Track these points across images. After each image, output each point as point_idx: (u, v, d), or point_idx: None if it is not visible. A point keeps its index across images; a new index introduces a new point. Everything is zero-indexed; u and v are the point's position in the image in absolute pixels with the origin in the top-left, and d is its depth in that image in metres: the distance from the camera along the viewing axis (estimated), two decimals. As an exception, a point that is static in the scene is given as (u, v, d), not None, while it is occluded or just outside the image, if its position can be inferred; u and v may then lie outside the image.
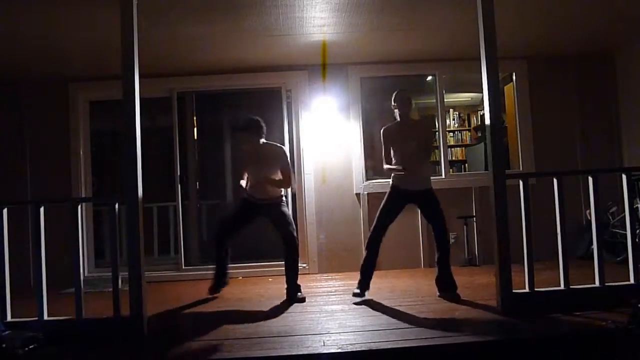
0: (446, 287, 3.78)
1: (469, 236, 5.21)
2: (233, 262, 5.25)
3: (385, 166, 3.86)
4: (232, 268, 5.00)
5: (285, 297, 3.85)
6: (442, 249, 3.78)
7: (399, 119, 3.85)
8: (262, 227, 4.62)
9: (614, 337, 2.66)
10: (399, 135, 3.80)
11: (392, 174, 3.83)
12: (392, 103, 3.85)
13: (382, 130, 3.90)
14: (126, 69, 3.08)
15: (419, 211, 3.96)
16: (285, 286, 3.89)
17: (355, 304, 3.64)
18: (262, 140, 4.01)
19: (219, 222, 4.21)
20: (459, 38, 4.44)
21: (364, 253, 3.84)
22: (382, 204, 3.81)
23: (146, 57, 3.32)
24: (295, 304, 3.71)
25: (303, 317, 3.30)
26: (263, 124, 4.01)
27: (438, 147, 5.64)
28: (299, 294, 3.88)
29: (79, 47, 4.37)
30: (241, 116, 4.50)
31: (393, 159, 3.83)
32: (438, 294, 3.80)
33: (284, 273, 3.91)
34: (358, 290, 3.78)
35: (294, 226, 4.01)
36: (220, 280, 4.15)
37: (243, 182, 4.05)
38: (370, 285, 4.01)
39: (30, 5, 3.51)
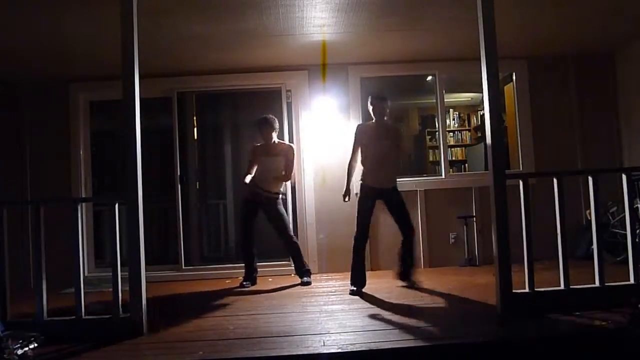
0: (408, 277, 4.11)
1: (469, 236, 5.20)
2: (233, 262, 5.28)
3: (347, 167, 4.10)
4: (232, 269, 5.03)
5: (283, 296, 3.99)
6: (408, 243, 4.06)
7: (374, 120, 4.12)
8: (262, 228, 4.65)
9: (614, 337, 2.67)
10: (373, 134, 4.05)
11: (361, 174, 4.06)
12: (369, 105, 4.13)
13: (357, 127, 4.18)
14: (126, 69, 3.08)
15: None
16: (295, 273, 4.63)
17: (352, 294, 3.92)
18: (274, 137, 4.51)
19: (240, 228, 4.64)
20: (459, 38, 4.43)
21: (353, 257, 4.00)
22: (358, 208, 4.03)
23: (146, 57, 3.31)
24: (295, 304, 3.72)
25: (303, 317, 3.30)
26: (272, 122, 4.49)
27: (438, 147, 5.65)
28: (306, 278, 4.50)
29: (79, 47, 4.36)
30: (244, 115, 4.72)
31: (362, 157, 4.07)
32: (403, 284, 4.11)
33: (292, 262, 4.62)
34: (354, 288, 3.96)
35: (289, 222, 4.63)
36: (250, 277, 4.54)
37: (248, 178, 4.42)
38: (371, 286, 4.04)
39: (30, 6, 3.50)
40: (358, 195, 4.08)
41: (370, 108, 4.12)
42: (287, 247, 4.56)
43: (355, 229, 4.00)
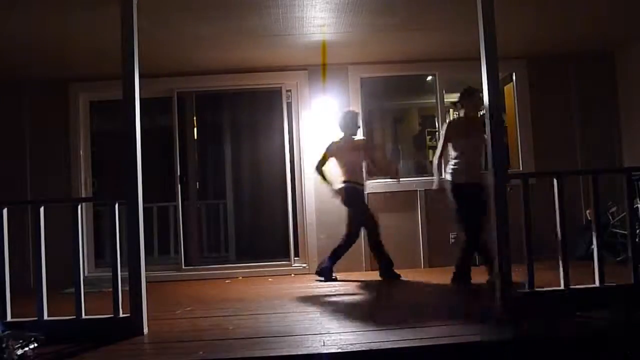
0: (458, 278, 3.97)
1: (469, 236, 5.19)
2: (233, 262, 5.28)
3: (436, 161, 4.13)
4: (232, 269, 5.03)
5: (283, 296, 3.98)
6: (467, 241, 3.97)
7: (463, 115, 4.11)
8: (262, 227, 4.65)
9: (614, 337, 2.66)
10: (464, 130, 4.02)
11: (450, 171, 4.02)
12: (460, 99, 4.12)
13: (447, 123, 4.17)
14: (126, 69, 3.08)
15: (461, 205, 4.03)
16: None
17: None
18: (352, 134, 4.71)
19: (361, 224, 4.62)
20: (459, 38, 4.43)
21: (467, 252, 3.97)
22: (456, 208, 3.97)
23: (146, 57, 3.31)
24: (295, 304, 3.72)
25: (303, 317, 3.30)
26: (346, 118, 4.69)
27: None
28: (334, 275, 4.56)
29: (79, 47, 4.36)
30: (244, 115, 4.68)
31: (452, 153, 4.05)
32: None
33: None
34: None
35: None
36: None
37: (337, 182, 4.61)
38: (369, 286, 4.03)
39: (30, 5, 3.51)
40: (451, 194, 4.00)
41: (460, 104, 4.11)
42: (353, 240, 4.60)
43: (465, 228, 3.92)
